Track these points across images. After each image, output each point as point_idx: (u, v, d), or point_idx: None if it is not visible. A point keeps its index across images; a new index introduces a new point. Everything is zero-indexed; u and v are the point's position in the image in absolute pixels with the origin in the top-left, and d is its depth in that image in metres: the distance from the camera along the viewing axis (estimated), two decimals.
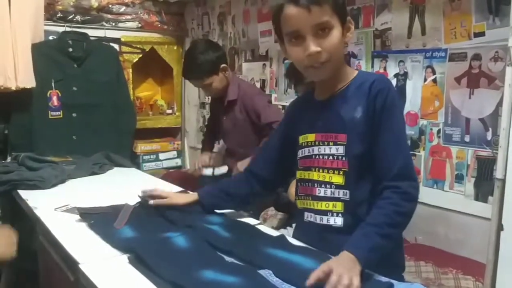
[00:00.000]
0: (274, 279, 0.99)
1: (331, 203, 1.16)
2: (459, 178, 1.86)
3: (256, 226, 1.38)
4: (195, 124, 3.61)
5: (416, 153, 2.00)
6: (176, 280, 0.95)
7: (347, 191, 1.15)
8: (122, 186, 1.97)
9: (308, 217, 1.22)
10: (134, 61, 3.28)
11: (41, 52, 2.64)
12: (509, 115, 1.43)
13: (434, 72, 1.90)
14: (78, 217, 1.45)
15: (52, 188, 1.88)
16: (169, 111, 3.62)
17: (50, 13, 2.84)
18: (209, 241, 1.18)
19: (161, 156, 3.48)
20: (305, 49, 1.09)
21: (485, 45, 1.72)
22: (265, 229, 1.38)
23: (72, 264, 1.14)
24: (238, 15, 3.09)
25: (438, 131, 1.91)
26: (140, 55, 3.26)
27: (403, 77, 2.02)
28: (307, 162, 1.22)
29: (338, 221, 1.16)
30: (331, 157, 1.16)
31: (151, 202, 1.46)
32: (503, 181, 1.44)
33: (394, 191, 1.05)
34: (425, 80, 1.94)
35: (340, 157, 1.14)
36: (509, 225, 1.45)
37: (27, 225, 1.66)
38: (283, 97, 2.75)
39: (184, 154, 3.67)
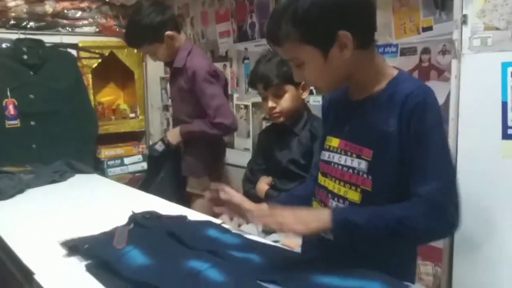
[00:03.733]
0: None
1: None
2: None
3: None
4: (159, 127, 3.59)
5: None
6: None
7: None
8: (85, 194, 1.94)
9: None
10: (94, 66, 3.22)
11: None
12: (456, 106, 1.48)
13: None
14: (39, 229, 1.41)
15: (10, 199, 1.84)
16: (132, 115, 3.57)
17: (3, 20, 2.77)
18: (246, 272, 0.98)
19: (126, 160, 3.42)
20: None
21: (433, 39, 1.78)
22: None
23: (27, 274, 1.12)
24: (196, 17, 3.09)
25: None
26: (100, 60, 3.21)
27: None
28: (325, 168, 1.13)
29: None
30: (350, 170, 1.05)
31: (223, 196, 1.29)
32: None
33: (431, 203, 0.92)
34: None
35: (361, 173, 1.03)
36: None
37: None
38: (244, 97, 2.76)
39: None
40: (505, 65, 1.38)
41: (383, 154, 1.00)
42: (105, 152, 3.29)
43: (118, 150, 3.37)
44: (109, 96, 3.65)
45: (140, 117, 3.59)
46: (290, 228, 0.93)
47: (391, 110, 0.99)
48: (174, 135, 2.24)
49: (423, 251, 1.77)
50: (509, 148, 1.38)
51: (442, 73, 1.76)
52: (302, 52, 1.00)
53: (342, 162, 1.07)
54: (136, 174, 3.37)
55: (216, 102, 2.07)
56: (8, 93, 2.66)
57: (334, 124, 1.15)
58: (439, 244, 1.61)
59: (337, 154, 1.09)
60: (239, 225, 2.10)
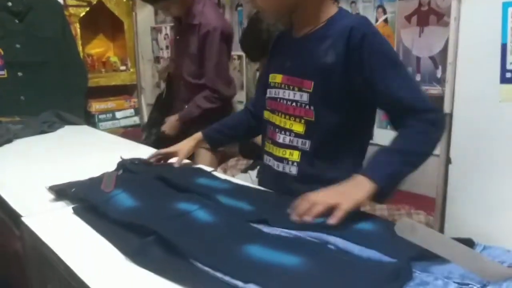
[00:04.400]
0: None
1: (288, 151, 1.13)
2: None
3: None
4: (151, 80, 3.52)
5: None
6: (219, 266, 0.73)
7: (307, 141, 1.09)
8: (74, 144, 1.92)
9: (267, 160, 1.21)
10: (81, 15, 3.12)
11: None
12: (455, 49, 1.44)
13: (385, 12, 1.88)
14: (27, 176, 1.39)
15: None
16: (123, 67, 3.50)
17: None
18: (234, 213, 0.97)
19: (118, 114, 3.39)
20: None
21: None
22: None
23: (15, 218, 1.10)
24: None
25: None
26: (87, 9, 3.10)
27: None
28: (272, 104, 1.17)
29: (293, 170, 1.13)
30: (294, 104, 1.10)
31: (176, 165, 1.35)
32: (450, 115, 1.46)
33: (420, 119, 0.98)
34: (376, 20, 1.92)
35: (303, 104, 1.08)
36: (456, 158, 1.49)
37: None
38: (238, 47, 2.68)
39: (142, 112, 3.59)
40: (505, 5, 1.33)
41: (323, 85, 1.04)
42: (95, 106, 3.25)
43: (109, 104, 3.33)
44: (98, 48, 3.56)
45: (131, 70, 3.51)
46: (341, 209, 0.87)
47: (333, 43, 1.03)
48: (171, 127, 2.19)
49: (417, 201, 1.77)
50: (507, 92, 1.34)
51: (442, 17, 1.70)
52: None
53: (286, 96, 1.11)
54: (128, 129, 3.34)
55: (218, 68, 2.05)
56: None
57: (278, 61, 1.18)
58: (432, 193, 1.61)
59: (281, 89, 1.13)
60: (233, 176, 2.09)
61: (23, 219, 1.04)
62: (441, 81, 1.75)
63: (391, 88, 1.00)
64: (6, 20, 2.59)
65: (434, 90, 1.78)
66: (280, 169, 1.15)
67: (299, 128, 1.09)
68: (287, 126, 1.12)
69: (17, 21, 2.63)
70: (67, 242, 0.91)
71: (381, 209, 1.72)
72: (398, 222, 0.80)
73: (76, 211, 1.05)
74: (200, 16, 2.04)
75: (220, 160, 2.38)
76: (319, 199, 0.90)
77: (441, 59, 1.73)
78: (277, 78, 1.15)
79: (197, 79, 2.12)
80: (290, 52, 1.13)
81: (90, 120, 3.16)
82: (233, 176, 2.13)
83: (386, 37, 1.88)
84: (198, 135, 1.40)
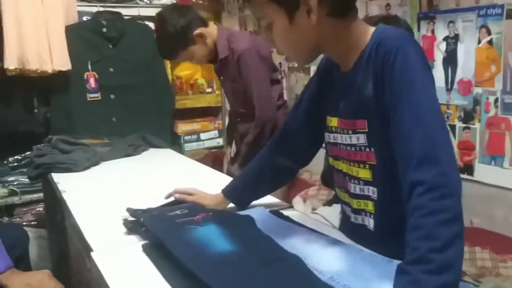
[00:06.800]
0: None
1: (362, 202, 1.00)
2: None
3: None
4: None
5: (471, 126, 1.79)
6: None
7: (375, 189, 0.96)
8: (155, 168, 1.94)
9: (347, 212, 1.08)
10: None
11: (76, 34, 2.62)
12: None
13: (489, 33, 1.68)
14: (107, 203, 1.42)
15: (84, 171, 1.87)
16: (209, 89, 3.54)
17: None
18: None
19: (202, 136, 3.42)
20: None
21: None
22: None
23: (88, 250, 1.09)
24: None
25: (496, 100, 1.69)
26: None
27: (453, 40, 1.80)
28: (334, 151, 1.05)
29: (370, 222, 0.99)
30: (353, 148, 0.97)
31: (176, 195, 1.29)
32: None
33: (421, 193, 0.74)
34: (479, 42, 1.72)
35: (363, 147, 0.95)
36: None
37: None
38: None
39: (225, 134, 3.60)
40: None
41: (377, 121, 0.90)
42: (181, 127, 3.31)
43: (195, 125, 3.38)
44: (187, 70, 3.63)
45: (217, 92, 3.54)
46: None
47: (368, 72, 0.90)
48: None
49: None
50: None
51: None
52: (269, 11, 0.94)
53: (345, 142, 0.99)
54: (212, 150, 3.36)
55: (259, 90, 1.97)
56: (89, 67, 2.72)
57: (331, 102, 1.04)
58: None
59: (338, 134, 1.01)
60: (313, 208, 1.98)
61: (92, 254, 1.03)
62: None
63: (402, 123, 0.82)
64: (101, 45, 2.75)
65: None
66: (359, 221, 1.02)
67: (366, 174, 0.96)
68: (354, 174, 0.99)
69: (111, 46, 2.78)
70: (128, 282, 0.89)
71: (482, 259, 1.51)
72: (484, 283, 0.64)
73: (146, 249, 1.02)
74: (228, 46, 1.98)
75: (299, 187, 2.28)
76: None
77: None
78: (333, 121, 1.03)
79: (245, 108, 2.07)
80: (341, 90, 1.00)
81: (176, 141, 3.22)
82: (313, 208, 2.02)
83: (489, 60, 1.70)
84: (220, 196, 1.26)
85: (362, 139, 0.94)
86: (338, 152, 1.03)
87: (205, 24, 2.01)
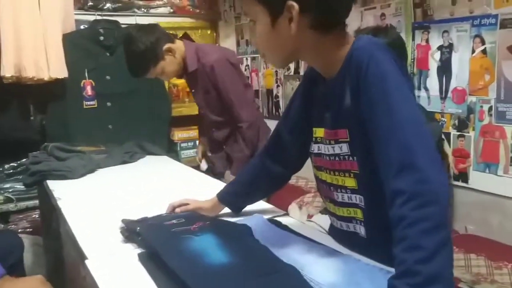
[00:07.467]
0: None
1: (352, 210, 0.99)
2: None
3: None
4: None
5: (465, 134, 1.81)
6: None
7: (361, 197, 0.95)
8: (151, 175, 1.94)
9: (334, 222, 1.08)
10: None
11: (73, 42, 2.63)
12: None
13: (483, 42, 1.70)
14: (102, 210, 1.42)
15: (80, 178, 1.86)
16: None
17: (81, 2, 2.83)
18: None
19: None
20: None
21: None
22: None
23: (83, 258, 1.09)
24: None
25: (490, 109, 1.71)
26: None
27: (448, 49, 1.82)
28: (318, 161, 1.05)
29: (361, 230, 0.99)
30: (337, 158, 0.97)
31: (177, 210, 1.27)
32: None
33: (401, 203, 0.72)
34: (473, 51, 1.74)
35: (346, 157, 0.94)
36: None
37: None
38: None
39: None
40: None
41: (358, 130, 0.90)
42: (178, 134, 3.32)
43: (191, 133, 3.38)
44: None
45: None
46: None
47: (345, 83, 0.91)
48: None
49: None
50: None
51: None
52: (254, 10, 0.93)
53: (327, 152, 0.99)
54: None
55: (238, 95, 2.05)
56: (86, 74, 2.72)
57: (316, 113, 1.04)
58: None
59: (322, 144, 1.01)
60: (309, 216, 1.98)
61: (86, 261, 1.03)
62: None
63: (378, 131, 0.82)
64: (98, 53, 2.76)
65: None
66: (351, 229, 1.02)
67: (351, 183, 0.96)
68: (340, 183, 0.98)
69: (108, 54, 2.78)
70: None
71: (478, 266, 1.51)
72: None
73: (141, 258, 1.01)
74: (196, 59, 2.03)
75: (295, 194, 2.29)
76: None
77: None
78: (318, 132, 1.03)
79: (221, 116, 2.13)
80: (325, 101, 1.00)
81: (172, 148, 3.22)
82: (309, 215, 2.02)
83: (483, 69, 1.72)
84: (215, 200, 1.27)
85: (344, 148, 0.94)
86: (321, 163, 1.03)
87: (171, 40, 2.04)
